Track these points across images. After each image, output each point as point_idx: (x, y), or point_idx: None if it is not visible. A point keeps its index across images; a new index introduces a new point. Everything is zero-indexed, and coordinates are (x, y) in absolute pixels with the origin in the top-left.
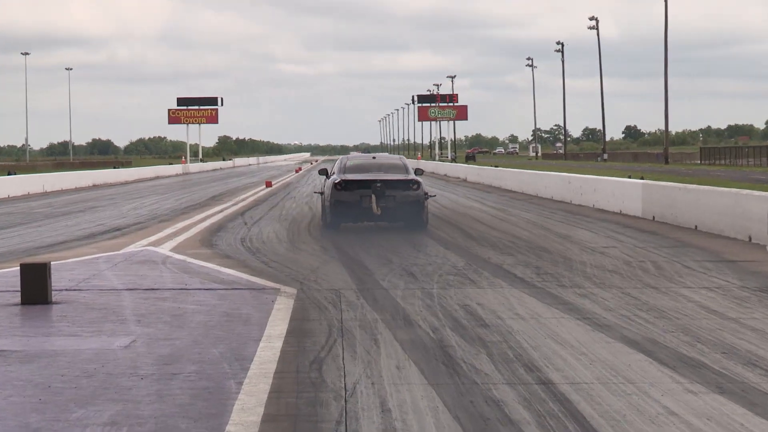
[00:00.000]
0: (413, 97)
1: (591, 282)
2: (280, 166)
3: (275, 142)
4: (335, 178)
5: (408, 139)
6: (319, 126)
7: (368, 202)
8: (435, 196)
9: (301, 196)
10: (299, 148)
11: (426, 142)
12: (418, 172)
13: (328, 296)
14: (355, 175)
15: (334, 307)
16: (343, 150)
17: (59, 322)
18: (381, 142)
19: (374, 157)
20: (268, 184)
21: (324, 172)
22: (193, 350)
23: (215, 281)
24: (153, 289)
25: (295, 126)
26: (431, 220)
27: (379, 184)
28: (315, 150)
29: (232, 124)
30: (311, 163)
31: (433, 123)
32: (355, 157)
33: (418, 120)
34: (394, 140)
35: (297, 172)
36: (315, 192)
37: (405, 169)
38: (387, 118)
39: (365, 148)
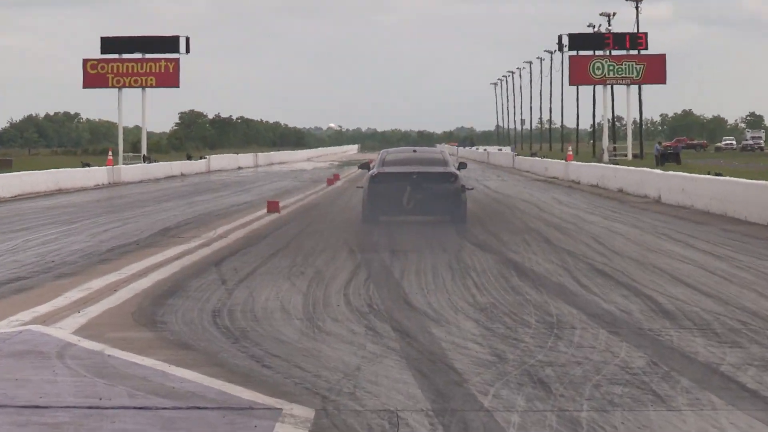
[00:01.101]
0: (559, 38)
1: None
2: (298, 170)
3: (292, 126)
4: (373, 171)
5: (549, 119)
6: (378, 99)
7: (405, 195)
8: (473, 189)
9: (338, 226)
10: (337, 138)
11: (584, 125)
12: (462, 166)
13: (376, 426)
14: (392, 168)
15: None
16: (424, 139)
17: None
18: (498, 125)
19: (415, 151)
20: (273, 207)
21: (365, 166)
22: None
23: (158, 394)
24: (37, 408)
25: (330, 97)
26: (581, 275)
27: (415, 177)
28: (370, 138)
29: (207, 89)
30: (360, 168)
31: (600, 89)
32: (397, 151)
33: (570, 83)
34: (522, 121)
35: (330, 183)
36: (358, 187)
37: (444, 163)
38: (507, 80)
39: (465, 137)
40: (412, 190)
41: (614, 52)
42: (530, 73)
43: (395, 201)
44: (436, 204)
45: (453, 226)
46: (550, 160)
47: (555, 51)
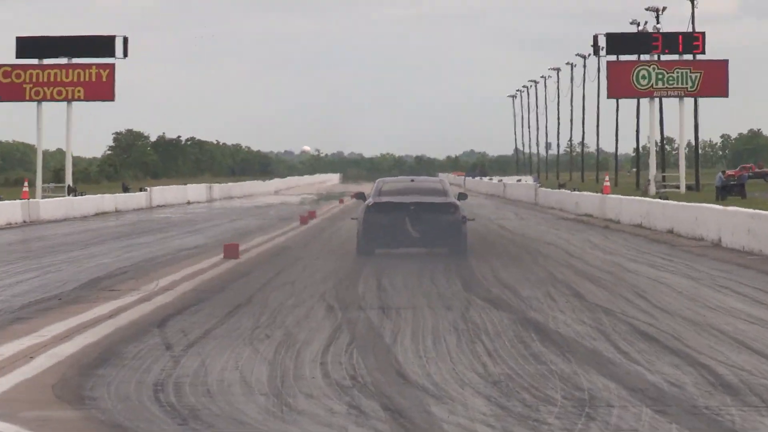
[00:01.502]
0: (595, 39)
1: None
2: (264, 206)
3: (256, 150)
4: (369, 201)
5: (581, 142)
6: (364, 115)
7: (403, 226)
8: (474, 220)
9: (314, 275)
10: (314, 165)
11: (626, 149)
12: (462, 196)
13: None
14: (389, 198)
15: None
16: (423, 167)
17: None
18: (517, 149)
19: (413, 180)
20: (231, 252)
21: (361, 196)
22: None
23: None
24: None
25: (305, 113)
26: (620, 338)
27: (413, 207)
28: (355, 165)
29: (150, 104)
30: (341, 201)
31: (645, 103)
32: (394, 180)
33: (608, 96)
34: (547, 144)
35: (304, 222)
36: (352, 218)
37: (444, 193)
38: (528, 92)
39: (475, 165)
40: (411, 221)
41: (664, 57)
42: (558, 82)
43: (392, 232)
44: (436, 235)
45: (458, 277)
46: (582, 193)
47: (589, 55)
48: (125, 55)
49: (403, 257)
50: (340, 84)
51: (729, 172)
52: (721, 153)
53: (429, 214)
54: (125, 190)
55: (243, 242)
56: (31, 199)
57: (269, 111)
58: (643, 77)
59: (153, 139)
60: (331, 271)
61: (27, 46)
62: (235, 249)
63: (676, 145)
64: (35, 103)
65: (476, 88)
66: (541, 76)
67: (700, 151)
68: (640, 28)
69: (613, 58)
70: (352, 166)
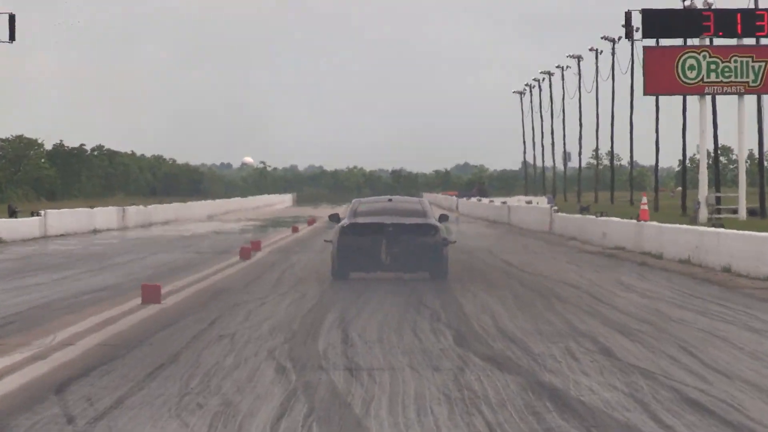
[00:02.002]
0: (627, 17)
1: None
2: (194, 235)
3: (183, 163)
4: (344, 222)
5: (609, 152)
6: (325, 118)
7: (379, 248)
8: (456, 242)
9: (260, 325)
10: (258, 181)
11: (668, 161)
12: (443, 218)
13: None
14: (365, 219)
15: None
16: (403, 185)
17: None
18: (525, 162)
19: (390, 200)
20: (152, 295)
21: (335, 217)
22: None
23: None
24: None
25: (247, 115)
26: (663, 408)
27: (391, 229)
28: (314, 181)
29: (46, 103)
30: (294, 229)
31: (693, 102)
32: (370, 201)
33: (645, 92)
34: (565, 155)
35: (245, 257)
36: (325, 240)
37: (423, 214)
38: (540, 87)
39: (472, 182)
40: (388, 243)
41: (718, 42)
42: (579, 74)
43: (369, 255)
44: (415, 258)
45: (449, 327)
46: (611, 219)
47: (620, 39)
48: (12, 38)
49: (378, 301)
50: (293, 80)
51: None
52: None
53: (408, 236)
54: (12, 214)
55: (167, 283)
56: None
57: (200, 113)
58: (691, 68)
59: (48, 148)
60: (282, 320)
61: None
62: (157, 291)
63: (734, 157)
64: None
65: (472, 82)
66: (557, 67)
67: (765, 165)
68: (687, 3)
69: (651, 42)
70: (308, 184)
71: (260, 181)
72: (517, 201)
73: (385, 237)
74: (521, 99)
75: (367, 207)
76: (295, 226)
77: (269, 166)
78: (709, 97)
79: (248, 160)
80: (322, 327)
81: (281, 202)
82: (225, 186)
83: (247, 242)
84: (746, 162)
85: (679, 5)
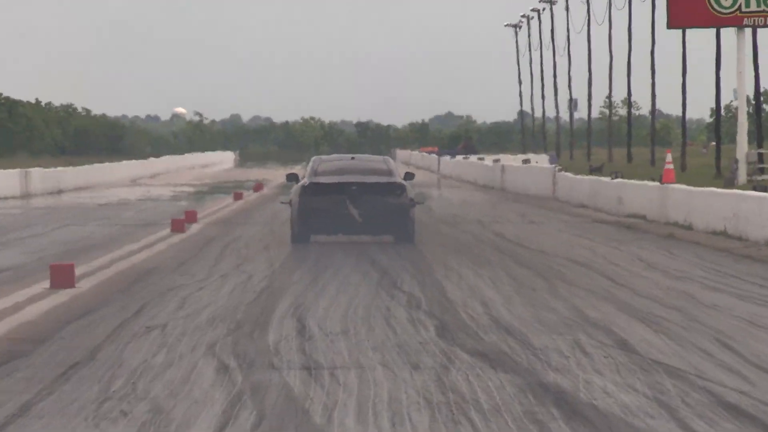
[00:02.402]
0: None
1: None
2: (114, 203)
3: (100, 114)
4: (304, 181)
5: (626, 99)
6: (274, 58)
7: (344, 209)
8: (423, 203)
9: (197, 313)
10: (194, 135)
11: (697, 111)
12: (408, 176)
13: None
14: (326, 179)
15: None
16: (370, 140)
17: None
18: (522, 111)
19: (353, 158)
20: (63, 277)
21: (293, 177)
22: None
23: None
24: None
25: (176, 55)
26: (694, 414)
27: (354, 188)
28: (261, 135)
29: None
30: (237, 196)
31: (729, 35)
32: (331, 158)
33: (669, 25)
34: (571, 103)
35: (177, 229)
36: (282, 202)
37: (389, 172)
38: (539, 19)
39: (457, 136)
40: (351, 203)
41: None
42: (588, 2)
43: (331, 216)
44: (380, 220)
45: (430, 315)
46: (629, 182)
47: None
48: None
49: (342, 282)
50: (235, 10)
51: None
52: None
53: (372, 196)
54: None
55: (82, 262)
56: None
57: (119, 52)
58: None
59: None
60: (224, 307)
61: None
62: (69, 273)
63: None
64: None
65: (454, 13)
66: None
67: None
68: None
69: None
70: (254, 139)
71: (195, 136)
72: (512, 160)
73: (348, 197)
74: (516, 33)
75: (328, 165)
76: (238, 192)
77: (206, 118)
78: (748, 30)
79: (180, 110)
80: (273, 316)
81: (221, 162)
82: (152, 143)
83: (180, 212)
84: None
85: None
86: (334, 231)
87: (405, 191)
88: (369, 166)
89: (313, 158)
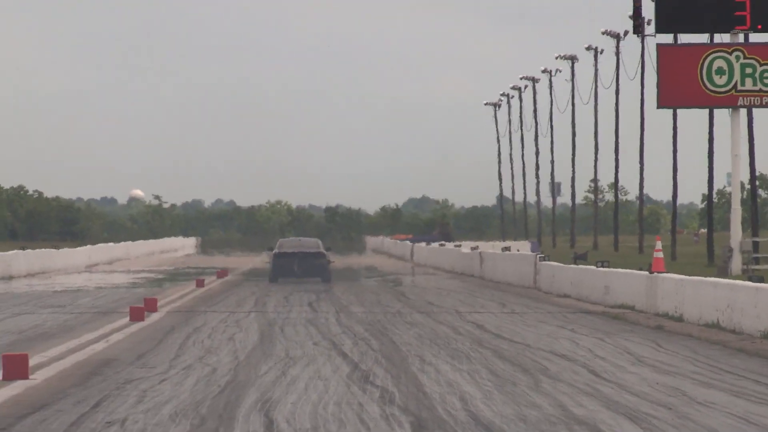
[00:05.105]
0: (636, 6)
1: None
2: (69, 290)
3: (53, 196)
4: (276, 251)
5: (613, 183)
6: (238, 142)
7: (293, 265)
8: (334, 262)
9: (157, 414)
10: (153, 220)
11: (689, 196)
12: (327, 248)
13: None
14: (285, 250)
15: None
16: (340, 225)
17: None
18: (502, 195)
19: (299, 240)
20: (14, 369)
21: (270, 248)
22: None
23: None
24: None
25: (136, 136)
26: None
27: (298, 255)
28: (222, 221)
29: None
30: (199, 283)
31: (722, 116)
32: (288, 240)
33: (660, 104)
34: (553, 186)
35: (136, 318)
36: (266, 262)
37: (317, 246)
38: (522, 96)
39: (433, 222)
40: (298, 262)
41: (755, 37)
42: (572, 81)
43: (287, 269)
44: (311, 271)
45: (405, 411)
46: (616, 270)
47: (626, 34)
48: None
49: (312, 375)
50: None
51: None
52: None
53: (307, 259)
54: None
55: (36, 352)
56: None
57: (74, 133)
58: (720, 72)
59: None
60: (187, 402)
61: None
62: (23, 364)
63: None
64: None
65: (430, 91)
66: (544, 71)
67: None
68: None
69: (668, 39)
70: (216, 225)
71: (154, 220)
72: (491, 247)
73: (295, 259)
74: (496, 113)
75: (286, 243)
76: (199, 279)
77: (165, 202)
78: (743, 111)
79: (138, 193)
80: (238, 411)
81: (182, 247)
82: (108, 227)
83: (139, 300)
84: None
85: None
86: (288, 276)
87: (325, 256)
88: (307, 243)
89: (279, 240)
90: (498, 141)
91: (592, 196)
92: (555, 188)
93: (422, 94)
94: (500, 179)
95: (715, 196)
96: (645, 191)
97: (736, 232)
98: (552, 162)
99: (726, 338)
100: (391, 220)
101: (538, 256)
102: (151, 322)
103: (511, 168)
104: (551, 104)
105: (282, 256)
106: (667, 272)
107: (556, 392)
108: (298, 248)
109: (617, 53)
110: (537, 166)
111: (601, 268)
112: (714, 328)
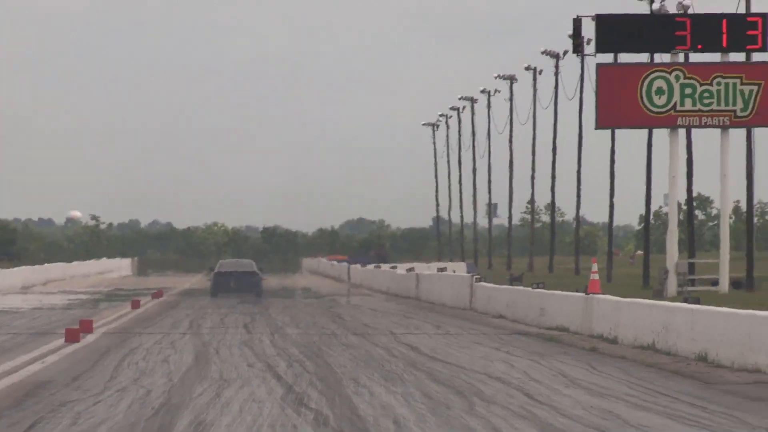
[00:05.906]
0: (576, 25)
1: None
2: (3, 311)
3: None
4: (216, 270)
5: (550, 204)
6: (175, 161)
7: (230, 282)
8: (266, 279)
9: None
10: (90, 241)
11: (626, 218)
12: (260, 268)
13: None
14: (224, 269)
15: None
16: (276, 246)
17: None
18: (438, 217)
19: (237, 261)
20: None
21: (211, 268)
22: None
23: None
24: None
25: (73, 158)
26: None
27: (234, 274)
28: (159, 242)
29: None
30: (134, 304)
31: (661, 137)
32: (226, 261)
33: (598, 125)
34: (490, 207)
35: (71, 339)
36: (208, 279)
37: (251, 266)
38: (459, 117)
39: (369, 243)
40: (234, 279)
41: (695, 58)
42: (510, 101)
43: (224, 285)
44: (245, 287)
45: None
46: (551, 292)
47: (565, 54)
48: None
49: (246, 396)
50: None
51: None
52: None
53: (242, 276)
54: None
55: None
56: None
57: (9, 150)
58: (659, 92)
59: None
60: (121, 423)
61: None
62: None
63: (714, 211)
64: None
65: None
66: (482, 91)
67: (754, 221)
68: (655, 7)
69: (608, 58)
70: (153, 245)
71: (91, 241)
72: (427, 268)
73: (232, 277)
74: (434, 133)
75: (225, 264)
76: (135, 300)
77: (102, 222)
78: (682, 131)
79: (75, 214)
80: (174, 429)
81: (118, 268)
82: (45, 248)
83: (74, 321)
84: (730, 218)
85: (645, 10)
86: (227, 291)
87: (258, 275)
88: (243, 264)
89: (219, 261)
90: (435, 162)
91: (528, 217)
92: (492, 209)
93: (359, 114)
94: (437, 200)
95: (652, 217)
96: (582, 212)
97: (673, 254)
98: (489, 183)
99: (661, 360)
100: (329, 241)
101: (474, 277)
102: (87, 344)
103: (449, 189)
104: (489, 125)
105: (221, 274)
106: (602, 294)
107: (490, 415)
108: (235, 268)
109: (556, 73)
110: (474, 187)
111: (537, 290)
112: (649, 350)
